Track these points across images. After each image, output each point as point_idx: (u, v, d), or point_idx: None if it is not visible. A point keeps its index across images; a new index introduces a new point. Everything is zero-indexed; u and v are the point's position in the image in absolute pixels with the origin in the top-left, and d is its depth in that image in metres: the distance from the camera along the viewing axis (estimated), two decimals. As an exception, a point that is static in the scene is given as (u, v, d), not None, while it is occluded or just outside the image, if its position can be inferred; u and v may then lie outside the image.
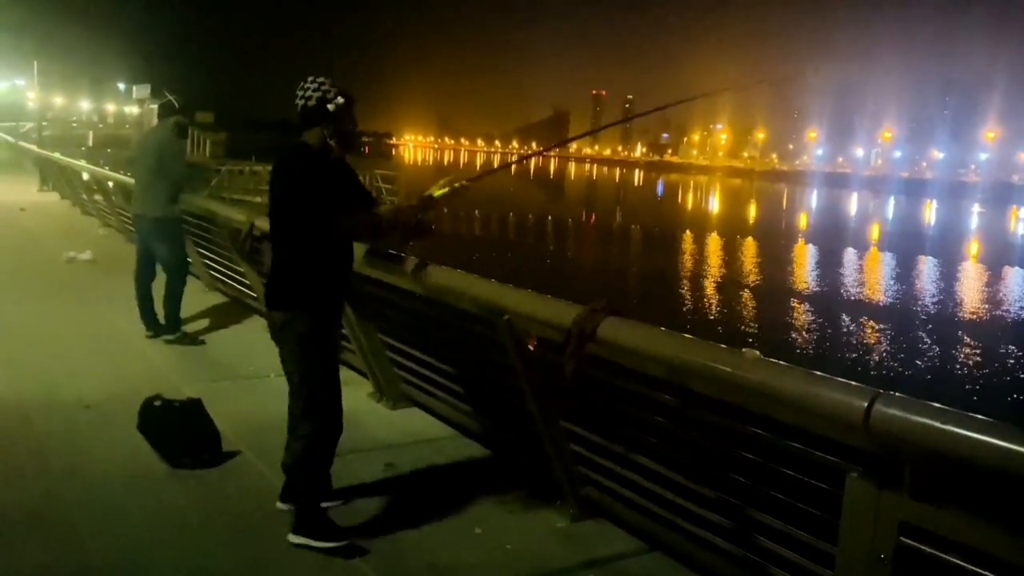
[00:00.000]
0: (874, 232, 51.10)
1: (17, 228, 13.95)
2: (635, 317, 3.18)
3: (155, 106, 7.68)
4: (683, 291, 25.08)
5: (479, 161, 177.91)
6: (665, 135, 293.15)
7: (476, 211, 38.19)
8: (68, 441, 4.53)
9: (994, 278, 31.32)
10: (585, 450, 3.81)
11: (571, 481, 3.90)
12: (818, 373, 2.49)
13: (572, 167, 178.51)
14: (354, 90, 3.51)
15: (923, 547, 2.25)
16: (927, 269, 32.92)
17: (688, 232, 41.56)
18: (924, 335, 20.17)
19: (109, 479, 4.05)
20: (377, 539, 3.56)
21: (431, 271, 4.07)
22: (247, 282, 7.51)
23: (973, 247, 44.98)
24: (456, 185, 3.74)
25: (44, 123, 40.63)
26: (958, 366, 17.43)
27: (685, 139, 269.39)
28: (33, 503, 3.76)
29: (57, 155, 19.21)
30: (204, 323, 7.40)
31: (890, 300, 25.40)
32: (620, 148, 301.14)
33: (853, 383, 2.36)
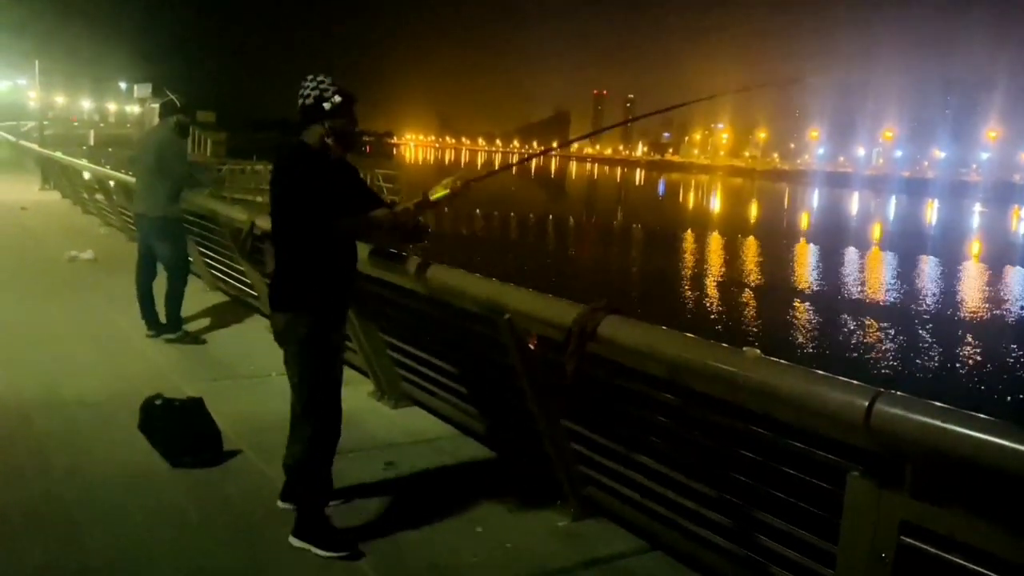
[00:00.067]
0: (875, 231, 51.07)
1: (18, 227, 13.95)
2: (636, 316, 3.18)
3: (156, 105, 7.68)
4: (684, 290, 25.07)
5: (480, 160, 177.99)
6: (666, 134, 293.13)
7: (477, 210, 38.18)
8: (69, 440, 4.53)
9: (995, 277, 31.30)
10: (586, 449, 3.81)
11: (572, 480, 3.90)
12: (819, 372, 2.48)
13: (573, 166, 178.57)
14: (355, 90, 3.48)
15: (924, 546, 2.25)
16: (928, 268, 32.89)
17: (689, 231, 41.55)
18: (925, 334, 20.17)
19: (110, 478, 4.06)
20: (377, 538, 3.56)
21: (432, 270, 4.07)
22: (248, 281, 7.51)
23: (974, 246, 44.94)
24: (455, 187, 3.72)
25: (45, 122, 40.69)
26: (959, 365, 17.42)
27: (686, 138, 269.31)
28: (34, 502, 3.76)
29: (58, 154, 19.22)
30: (205, 322, 7.41)
31: (891, 299, 25.39)
32: (621, 147, 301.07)
33: (854, 382, 2.36)
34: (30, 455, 4.31)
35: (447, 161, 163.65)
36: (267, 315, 7.04)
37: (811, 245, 39.11)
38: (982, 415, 2.07)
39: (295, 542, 3.44)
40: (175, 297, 6.82)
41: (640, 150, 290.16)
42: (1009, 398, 14.90)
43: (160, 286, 6.86)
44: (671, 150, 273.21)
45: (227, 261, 8.19)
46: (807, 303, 23.33)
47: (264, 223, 6.03)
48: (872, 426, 2.21)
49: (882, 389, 2.26)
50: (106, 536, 3.50)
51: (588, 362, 3.21)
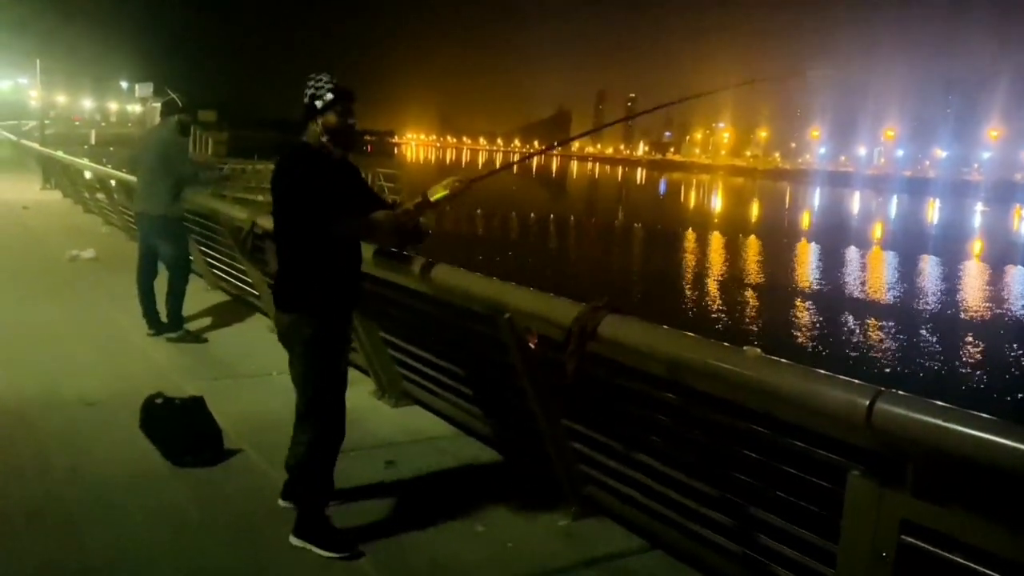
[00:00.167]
0: (877, 231, 51.04)
1: (20, 226, 13.97)
2: (636, 315, 3.17)
3: (158, 104, 7.68)
4: (685, 289, 25.06)
5: (481, 160, 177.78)
6: (667, 134, 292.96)
7: (478, 210, 38.18)
8: (69, 439, 4.53)
9: (997, 277, 31.28)
10: (586, 448, 3.80)
11: (572, 479, 3.90)
12: (820, 371, 2.48)
13: (574, 165, 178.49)
14: (356, 89, 3.45)
15: (925, 545, 2.24)
16: (930, 268, 32.88)
17: (690, 231, 41.54)
18: (926, 334, 20.16)
19: (110, 477, 4.06)
20: (378, 537, 3.56)
21: (433, 269, 4.06)
22: (249, 280, 7.52)
23: (976, 246, 44.91)
24: (455, 187, 3.71)
25: (47, 121, 40.70)
26: (961, 364, 17.41)
27: (688, 138, 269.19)
28: (34, 501, 3.76)
29: (60, 153, 19.23)
30: (206, 321, 7.41)
31: (893, 299, 25.37)
32: (622, 147, 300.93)
33: (855, 381, 2.35)
34: (31, 454, 4.31)
35: (448, 160, 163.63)
36: (268, 314, 7.06)
37: (812, 244, 39.09)
38: (983, 414, 2.06)
39: (295, 541, 3.44)
40: (176, 296, 6.83)
41: (641, 149, 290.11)
42: (1009, 398, 14.89)
43: (161, 285, 6.86)
44: (672, 149, 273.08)
45: (228, 260, 8.19)
46: (808, 302, 23.32)
47: (265, 222, 6.04)
48: (873, 425, 2.21)
49: (883, 388, 2.26)
50: (107, 535, 3.50)
51: (588, 361, 3.20)
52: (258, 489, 3.98)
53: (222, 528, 3.65)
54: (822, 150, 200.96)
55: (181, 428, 4.35)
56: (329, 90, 3.36)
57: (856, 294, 25.72)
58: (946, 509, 2.20)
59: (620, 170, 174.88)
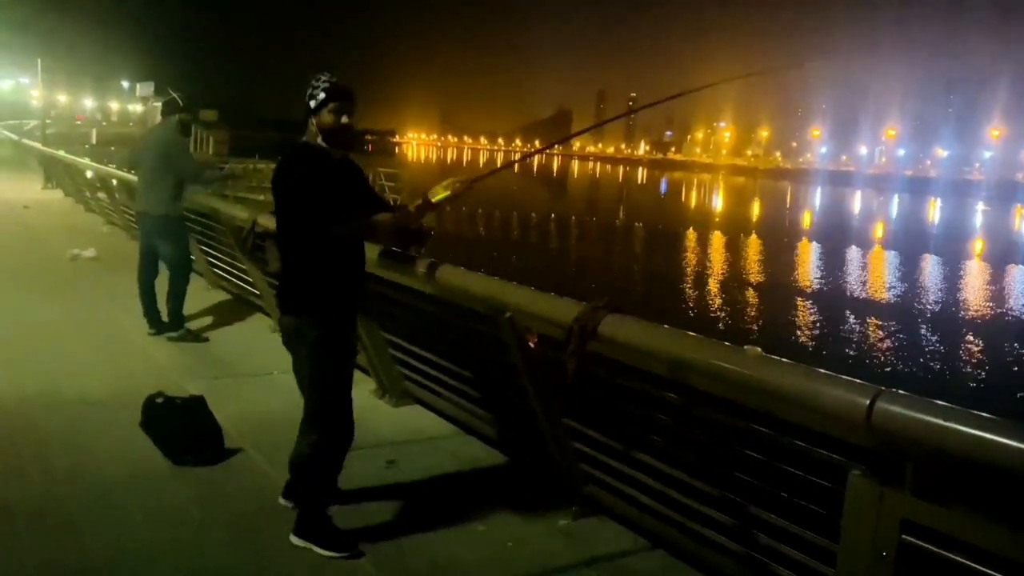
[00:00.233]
0: (878, 230, 51.01)
1: (21, 226, 13.97)
2: (637, 314, 3.17)
3: (159, 104, 7.68)
4: (686, 289, 25.05)
5: (482, 159, 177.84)
6: (668, 133, 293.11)
7: (479, 209, 38.18)
8: (70, 439, 4.53)
9: (998, 276, 31.26)
10: (587, 448, 3.80)
11: (573, 478, 3.91)
12: (820, 370, 2.48)
13: (575, 165, 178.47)
14: (357, 88, 3.44)
15: (925, 545, 2.24)
16: (931, 267, 32.86)
17: (691, 230, 41.53)
18: (927, 333, 20.15)
19: (111, 477, 4.05)
20: (379, 536, 3.56)
21: (434, 269, 4.06)
22: (250, 280, 7.52)
23: (977, 245, 44.89)
24: (456, 188, 3.70)
25: (48, 121, 40.69)
26: (962, 364, 17.40)
27: (689, 137, 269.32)
28: (35, 501, 3.76)
29: (61, 153, 19.23)
30: (207, 320, 7.41)
31: (894, 298, 25.36)
32: (623, 146, 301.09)
33: (855, 380, 2.35)
34: (31, 453, 4.31)
35: (449, 160, 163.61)
36: (269, 313, 7.06)
37: (813, 244, 39.07)
38: (983, 413, 2.06)
39: (296, 541, 3.43)
40: (177, 295, 6.83)
41: (642, 148, 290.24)
42: (1010, 397, 14.87)
43: (162, 284, 6.87)
44: (673, 149, 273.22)
45: (229, 259, 8.19)
46: (809, 302, 23.31)
47: (265, 221, 6.04)
48: (873, 424, 2.21)
49: (883, 388, 2.26)
50: (107, 534, 3.50)
51: (589, 360, 3.20)
52: (259, 488, 3.98)
53: (223, 527, 3.64)
54: (823, 149, 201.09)
55: (182, 427, 4.35)
56: (323, 89, 3.33)
57: (857, 293, 25.70)
58: (946, 508, 2.20)
59: (621, 169, 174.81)
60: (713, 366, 2.75)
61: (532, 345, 3.70)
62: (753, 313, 21.99)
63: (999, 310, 24.05)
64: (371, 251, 3.92)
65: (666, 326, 3.08)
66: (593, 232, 40.75)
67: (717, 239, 38.69)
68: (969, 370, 16.97)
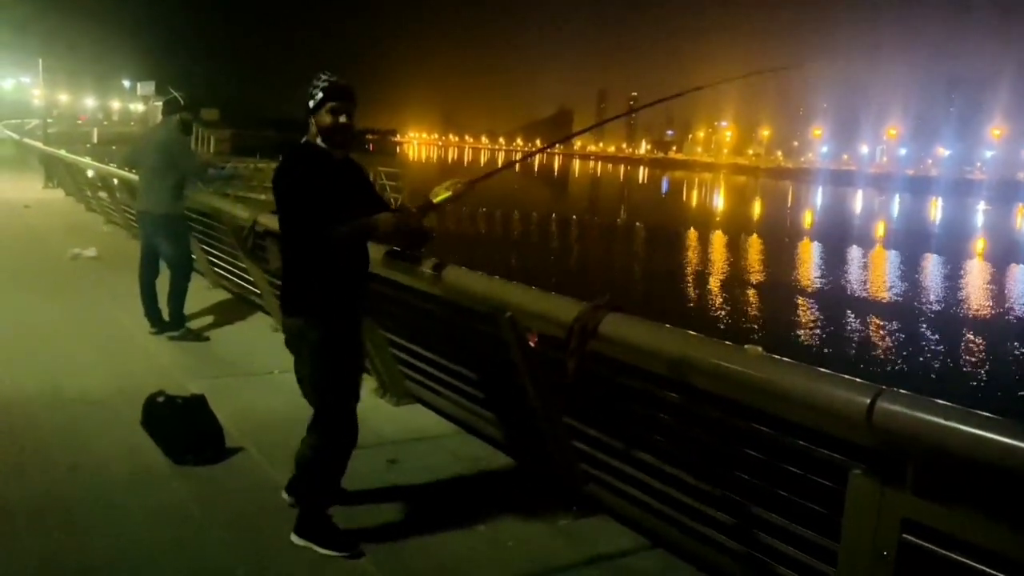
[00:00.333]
0: (879, 230, 51.00)
1: (22, 225, 13.98)
2: (638, 314, 3.17)
3: (160, 103, 7.68)
4: (687, 288, 25.05)
5: (483, 158, 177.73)
6: (670, 132, 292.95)
7: (481, 208, 38.17)
8: (71, 437, 4.53)
9: (1000, 275, 31.25)
10: (588, 447, 3.80)
11: (574, 478, 3.90)
12: (821, 370, 2.48)
13: (576, 164, 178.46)
14: (357, 88, 3.43)
15: (926, 544, 2.24)
16: (932, 267, 32.84)
17: (692, 229, 41.52)
18: (929, 332, 20.14)
19: (112, 476, 4.06)
20: (379, 536, 3.56)
21: (434, 268, 4.06)
22: (250, 279, 7.52)
23: (979, 245, 44.87)
24: (458, 188, 3.69)
25: (49, 120, 40.69)
26: (963, 363, 17.39)
27: (690, 136, 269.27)
28: (36, 499, 3.76)
29: (62, 152, 19.23)
30: (208, 320, 7.41)
31: (895, 298, 25.35)
32: (624, 145, 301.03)
33: (856, 380, 2.35)
34: (32, 452, 4.32)
35: (450, 159, 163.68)
36: (270, 312, 7.07)
37: (815, 243, 39.07)
38: (984, 413, 2.06)
39: (296, 540, 3.43)
40: (178, 294, 6.83)
41: (643, 148, 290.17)
42: (1012, 396, 14.86)
43: (163, 283, 6.87)
44: (674, 148, 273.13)
45: (230, 259, 8.19)
46: (810, 301, 23.31)
47: (266, 220, 6.05)
48: (874, 424, 2.21)
49: (884, 387, 2.26)
50: (107, 533, 3.50)
51: (590, 360, 3.20)
52: (259, 487, 3.98)
53: (223, 526, 3.64)
54: (824, 148, 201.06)
55: (183, 426, 4.35)
56: (322, 89, 3.31)
57: (858, 293, 25.71)
58: (947, 508, 2.20)
59: (622, 169, 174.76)
60: (714, 365, 2.75)
61: (533, 344, 3.70)
62: (754, 312, 21.99)
63: (1000, 309, 24.04)
64: (376, 251, 3.90)
65: (667, 325, 3.07)
66: (594, 231, 40.74)
67: (718, 238, 38.69)
68: (970, 369, 16.96)
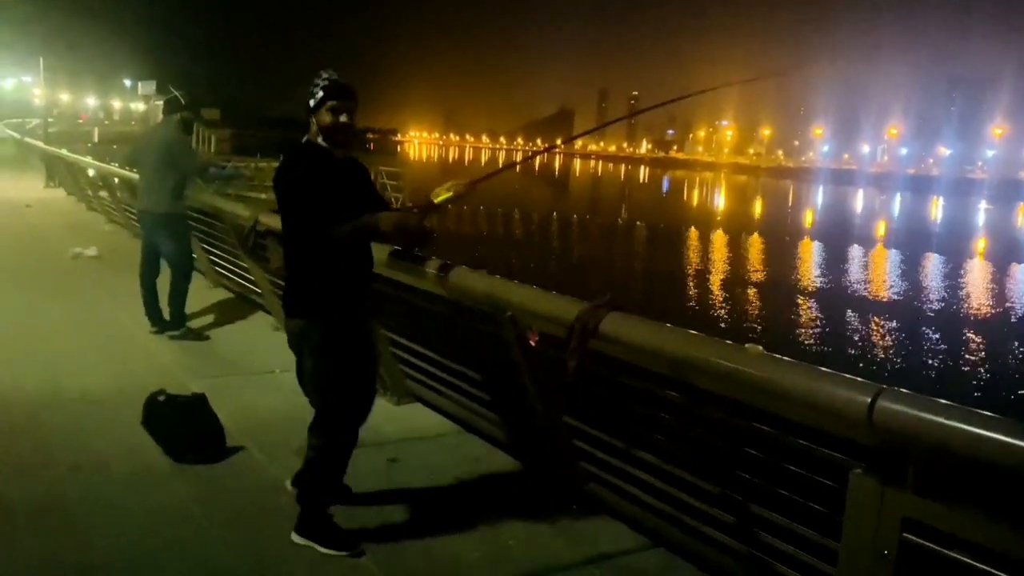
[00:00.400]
0: (880, 229, 50.98)
1: (23, 224, 13.98)
2: (638, 313, 3.17)
3: (160, 102, 7.68)
4: (687, 287, 25.05)
5: (484, 158, 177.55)
6: (670, 131, 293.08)
7: (481, 207, 38.17)
8: (72, 436, 4.53)
9: (1001, 275, 31.23)
10: (588, 446, 3.80)
11: (574, 477, 3.90)
12: (822, 369, 2.48)
13: (577, 164, 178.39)
14: (358, 87, 3.42)
15: (926, 543, 2.24)
16: (933, 266, 32.83)
17: (693, 229, 41.50)
18: (929, 332, 20.13)
19: (112, 475, 4.06)
20: (380, 535, 3.56)
21: (435, 267, 4.06)
22: (251, 278, 7.52)
23: (980, 244, 44.84)
24: (459, 189, 3.69)
25: (50, 119, 40.69)
26: (964, 363, 17.38)
27: (691, 136, 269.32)
28: (37, 498, 3.76)
29: (63, 151, 19.24)
30: (209, 319, 7.41)
31: (896, 297, 25.34)
32: (625, 144, 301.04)
33: (857, 379, 2.35)
34: (33, 451, 4.32)
35: (451, 158, 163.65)
36: (270, 312, 7.07)
37: (815, 243, 39.05)
38: (985, 412, 2.06)
39: (297, 539, 3.43)
40: (179, 294, 6.83)
41: (644, 147, 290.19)
42: (1013, 395, 14.86)
43: (164, 283, 6.87)
44: (675, 147, 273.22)
45: (231, 258, 8.19)
46: (811, 300, 23.30)
47: (267, 220, 6.05)
48: (875, 423, 2.21)
49: (884, 386, 2.26)
50: (108, 532, 3.50)
51: (590, 359, 3.20)
52: (260, 487, 3.98)
53: (224, 525, 3.64)
54: (825, 148, 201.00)
55: (183, 425, 4.35)
56: (322, 87, 3.30)
57: (859, 292, 25.70)
58: (948, 507, 2.19)
59: (623, 168, 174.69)
60: (714, 364, 2.75)
61: (533, 343, 3.70)
62: (755, 312, 21.98)
63: (1001, 309, 24.03)
64: (380, 252, 3.88)
65: (668, 324, 3.07)
66: (595, 231, 40.73)
67: (719, 238, 38.68)
68: (971, 368, 16.95)
